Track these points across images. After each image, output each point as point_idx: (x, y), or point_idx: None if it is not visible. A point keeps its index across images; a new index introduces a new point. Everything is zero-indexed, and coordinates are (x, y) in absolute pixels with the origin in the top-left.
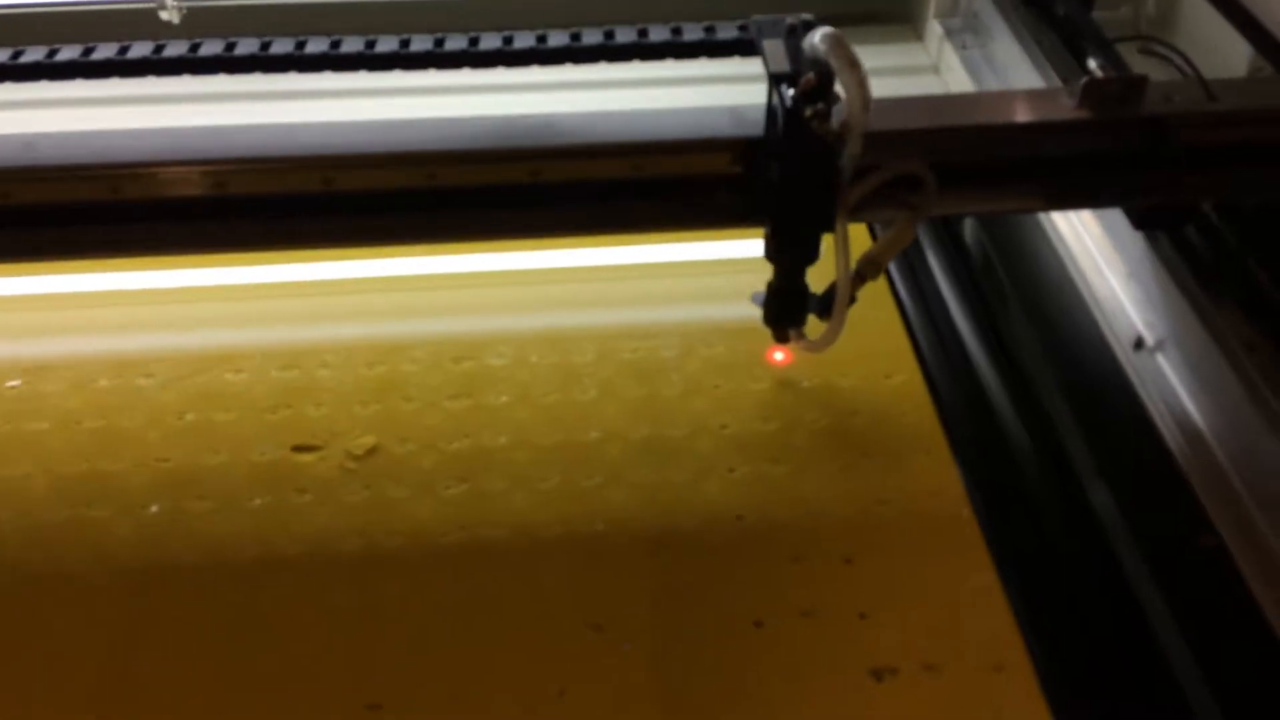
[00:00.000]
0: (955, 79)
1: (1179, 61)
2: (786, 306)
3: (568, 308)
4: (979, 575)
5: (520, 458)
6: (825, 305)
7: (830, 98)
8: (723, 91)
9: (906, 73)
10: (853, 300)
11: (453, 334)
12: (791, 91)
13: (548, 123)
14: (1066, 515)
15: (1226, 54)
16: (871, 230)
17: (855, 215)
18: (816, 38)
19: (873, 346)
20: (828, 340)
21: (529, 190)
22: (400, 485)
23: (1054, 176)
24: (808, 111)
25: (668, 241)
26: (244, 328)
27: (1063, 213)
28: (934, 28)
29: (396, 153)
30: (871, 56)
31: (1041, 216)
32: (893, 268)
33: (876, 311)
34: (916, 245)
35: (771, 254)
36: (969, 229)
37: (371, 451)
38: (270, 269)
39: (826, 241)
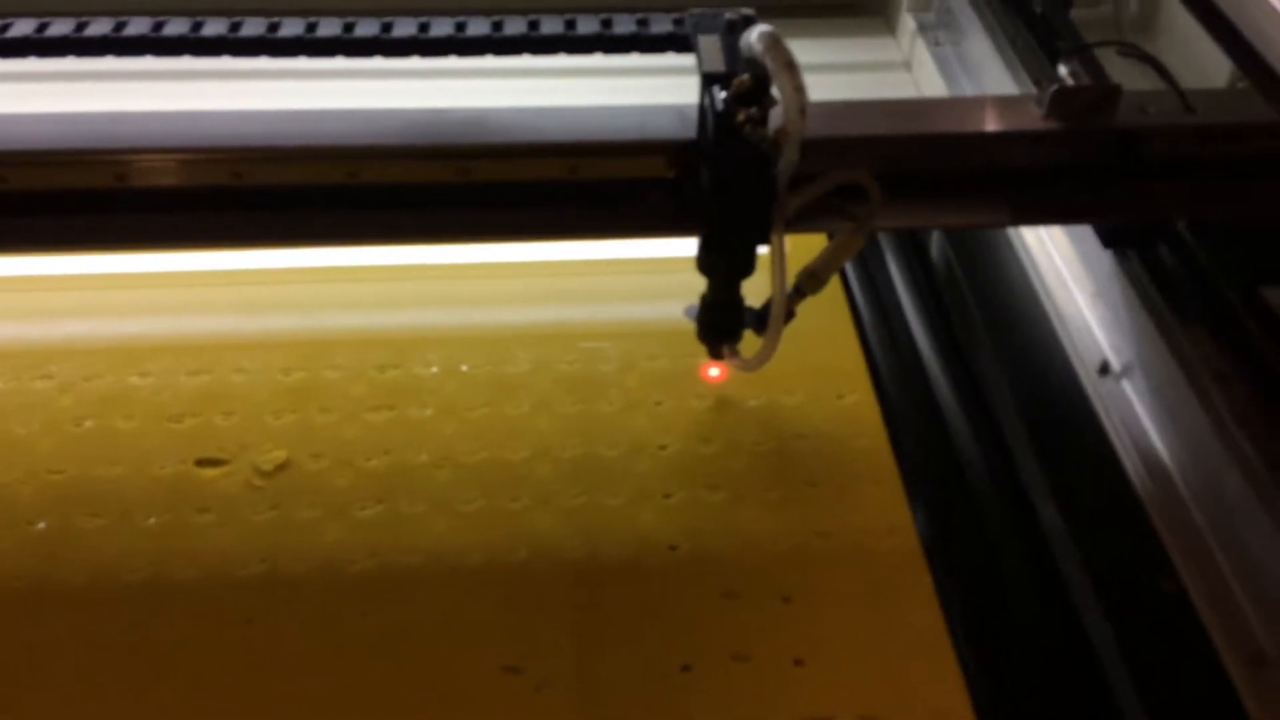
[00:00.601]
0: (926, 77)
1: (1157, 70)
2: (720, 321)
3: (505, 305)
4: (924, 617)
5: (442, 477)
6: (762, 321)
7: (766, 101)
8: (678, 83)
9: (876, 69)
10: (790, 316)
11: (380, 337)
12: (723, 94)
13: (479, 118)
14: (1021, 554)
15: (1208, 61)
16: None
17: (793, 226)
18: (753, 36)
19: (825, 362)
20: (762, 359)
21: (457, 191)
22: (310, 505)
23: (1017, 189)
24: (740, 115)
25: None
26: (154, 322)
27: (1030, 228)
28: (907, 22)
29: (314, 146)
30: (840, 51)
31: (1010, 230)
32: (850, 277)
33: (830, 324)
34: (877, 254)
35: (704, 265)
36: (935, 238)
37: (282, 467)
38: (184, 256)
39: (764, 254)
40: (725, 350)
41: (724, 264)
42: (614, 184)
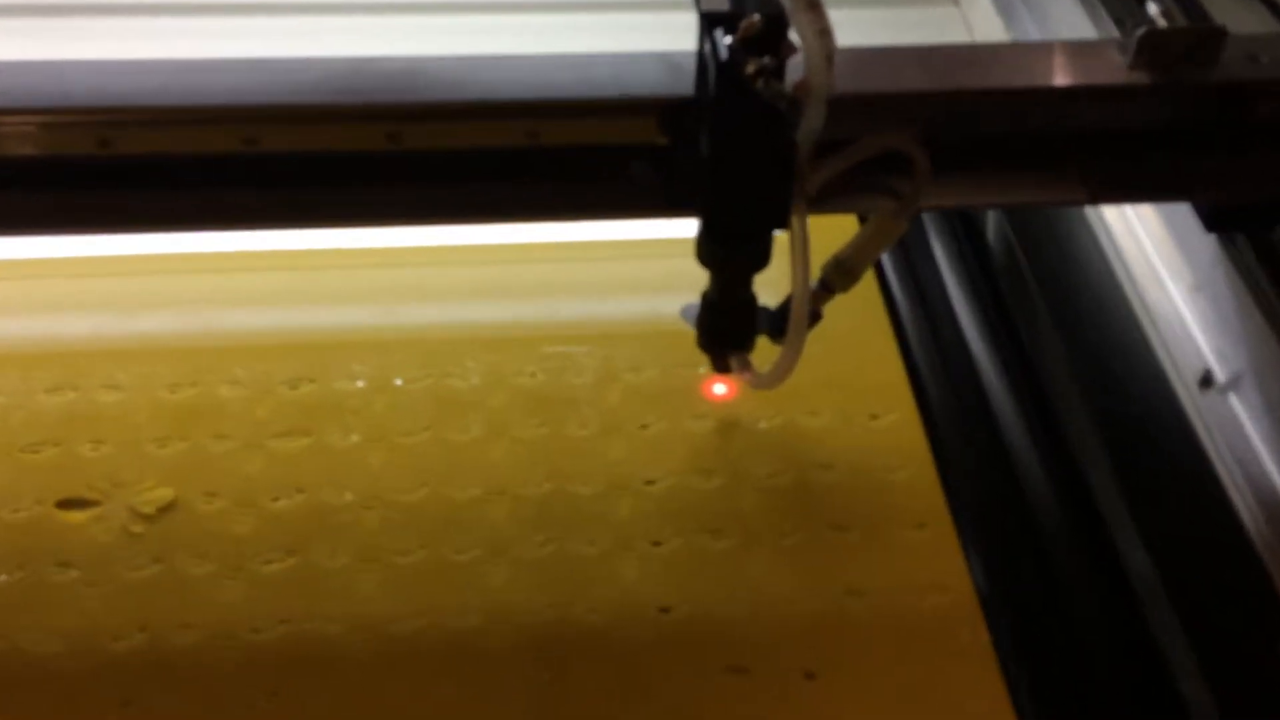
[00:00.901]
0: (981, 17)
1: (1271, 8)
2: (727, 325)
3: (449, 300)
4: (984, 700)
5: (370, 521)
6: (778, 324)
7: (783, 48)
8: (669, 24)
9: (920, 5)
10: (816, 318)
11: (291, 342)
12: (729, 39)
13: (412, 70)
14: (1103, 613)
15: None
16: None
17: (818, 206)
18: None
19: (855, 374)
20: (780, 373)
21: (386, 161)
22: (203, 558)
23: (1096, 159)
24: (750, 66)
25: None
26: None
27: (1113, 206)
28: None
29: (202, 106)
30: None
31: (1088, 209)
32: (887, 268)
33: (862, 326)
34: (920, 238)
35: (705, 256)
36: (991, 219)
37: (166, 509)
38: (37, 242)
39: (783, 240)
40: (733, 361)
41: (731, 254)
42: (586, 153)
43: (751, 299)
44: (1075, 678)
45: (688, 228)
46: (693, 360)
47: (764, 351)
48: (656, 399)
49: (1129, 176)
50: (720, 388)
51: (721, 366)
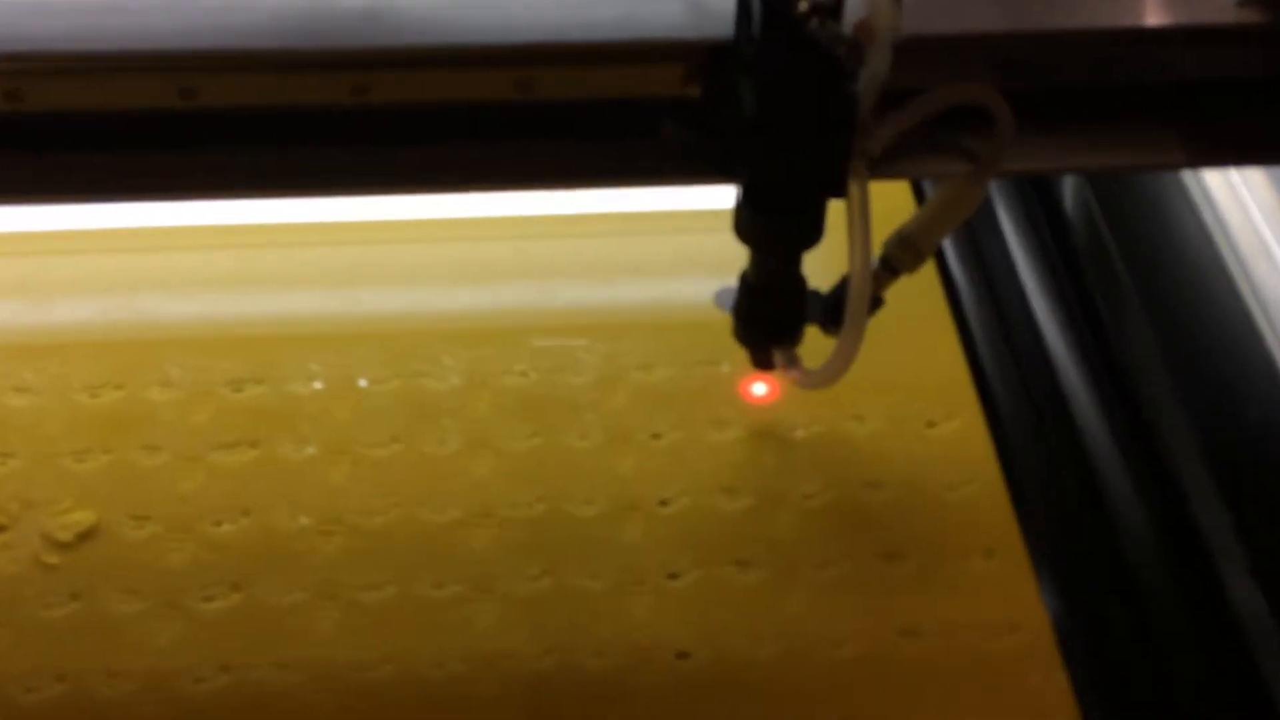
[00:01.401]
0: None
1: None
2: (770, 313)
3: (423, 284)
4: None
5: (330, 549)
6: (833, 311)
7: None
8: None
9: None
10: (877, 304)
11: (235, 335)
12: None
13: (379, 8)
14: (1206, 661)
15: None
16: (917, 191)
17: (881, 169)
18: None
19: (911, 373)
20: (835, 370)
21: (349, 119)
22: (130, 594)
23: (1201, 115)
24: (802, 4)
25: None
26: None
27: (1217, 170)
28: None
29: (133, 52)
30: None
31: (1186, 174)
32: (946, 248)
33: (918, 316)
34: (985, 211)
35: (745, 230)
36: (1069, 186)
37: (87, 535)
38: None
39: (837, 212)
40: (778, 356)
41: (777, 228)
42: (600, 108)
43: (800, 281)
44: None
45: (708, 197)
46: (714, 356)
47: (812, 346)
48: (671, 403)
49: (1235, 135)
50: (760, 387)
51: (763, 362)
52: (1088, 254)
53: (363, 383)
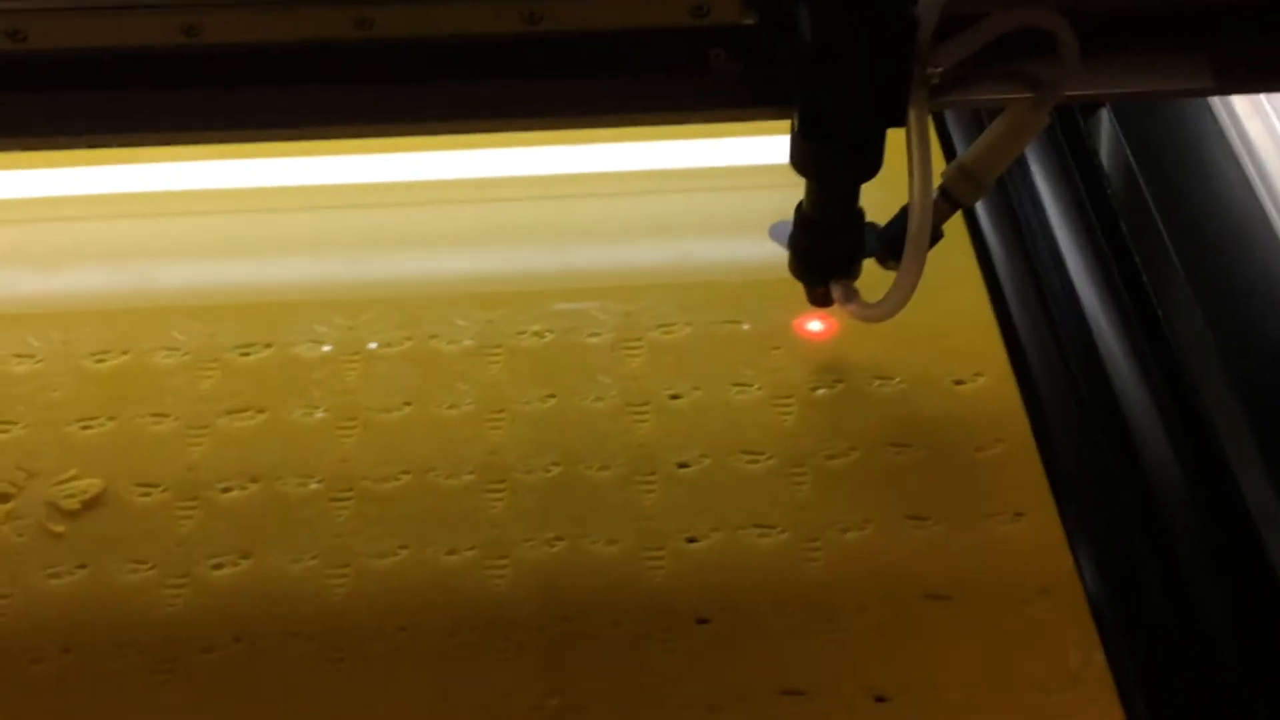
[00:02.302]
0: None
1: None
2: (827, 246)
3: (435, 244)
4: None
5: (342, 513)
6: (891, 244)
7: None
8: None
9: None
10: (937, 237)
11: (241, 299)
12: None
13: None
14: (1246, 630)
15: None
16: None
17: (941, 98)
18: None
19: (936, 329)
20: (896, 301)
21: (353, 54)
22: (139, 562)
23: (1227, 35)
24: None
25: (604, 139)
26: None
27: (1256, 114)
28: None
29: None
30: None
31: (1223, 117)
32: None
33: (945, 269)
34: (1018, 165)
35: (801, 161)
36: (1104, 130)
37: (94, 503)
38: None
39: (895, 141)
40: (835, 290)
41: (835, 159)
42: (636, 39)
43: (858, 214)
44: (1208, 706)
45: (727, 153)
46: (735, 314)
47: (870, 280)
48: (690, 363)
49: (1269, 58)
50: (815, 324)
51: (819, 298)
52: (1123, 207)
53: (372, 345)
